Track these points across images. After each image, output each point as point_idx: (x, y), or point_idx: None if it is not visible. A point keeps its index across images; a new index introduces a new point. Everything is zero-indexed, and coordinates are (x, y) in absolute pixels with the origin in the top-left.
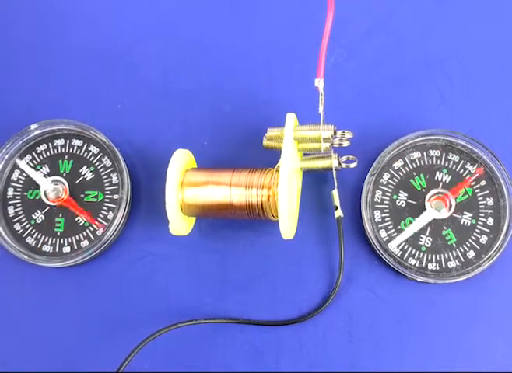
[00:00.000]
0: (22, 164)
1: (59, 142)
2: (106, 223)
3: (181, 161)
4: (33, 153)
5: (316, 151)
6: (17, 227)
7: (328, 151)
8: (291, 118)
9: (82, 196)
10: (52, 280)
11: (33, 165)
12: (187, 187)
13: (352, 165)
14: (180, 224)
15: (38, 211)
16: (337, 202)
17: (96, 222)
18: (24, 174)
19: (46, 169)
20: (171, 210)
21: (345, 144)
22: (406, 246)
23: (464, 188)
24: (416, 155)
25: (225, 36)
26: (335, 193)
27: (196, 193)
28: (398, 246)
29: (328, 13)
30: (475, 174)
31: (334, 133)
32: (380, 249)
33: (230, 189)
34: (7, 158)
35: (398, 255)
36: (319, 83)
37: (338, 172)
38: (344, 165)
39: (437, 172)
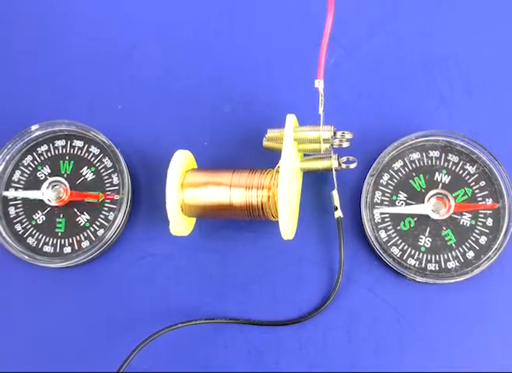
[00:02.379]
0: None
1: (60, 143)
2: (107, 224)
3: (181, 161)
4: (34, 154)
5: (316, 151)
6: (18, 227)
7: (328, 152)
8: (291, 119)
9: None
10: (53, 281)
11: (33, 165)
12: (188, 188)
13: (352, 166)
14: (180, 225)
15: (39, 212)
16: (337, 202)
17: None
18: (25, 174)
19: (47, 170)
20: (171, 211)
21: (345, 145)
22: (406, 247)
23: (464, 188)
24: (416, 155)
25: (225, 37)
26: (335, 193)
27: (196, 193)
28: (380, 215)
29: (328, 14)
30: (488, 205)
31: (334, 134)
32: (380, 250)
33: (230, 189)
34: (8, 158)
35: (398, 255)
36: (319, 84)
37: (337, 172)
38: (344, 166)
39: (437, 173)
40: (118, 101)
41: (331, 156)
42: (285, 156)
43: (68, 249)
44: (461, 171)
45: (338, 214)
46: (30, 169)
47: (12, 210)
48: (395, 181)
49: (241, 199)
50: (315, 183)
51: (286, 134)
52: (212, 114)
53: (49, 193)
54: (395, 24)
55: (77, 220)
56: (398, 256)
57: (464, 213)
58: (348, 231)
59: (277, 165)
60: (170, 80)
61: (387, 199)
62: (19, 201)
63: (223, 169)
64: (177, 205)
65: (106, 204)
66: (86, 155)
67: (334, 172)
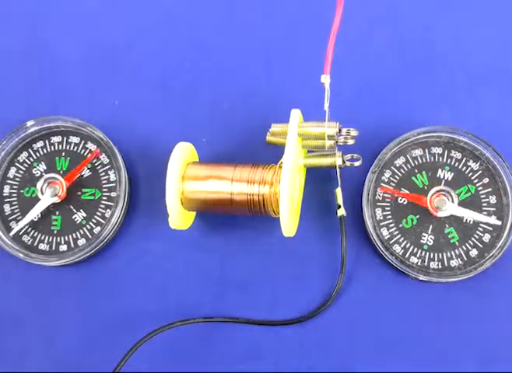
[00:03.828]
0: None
1: (56, 139)
2: (103, 221)
3: (183, 153)
4: (30, 150)
5: (320, 148)
6: (13, 225)
7: (332, 149)
8: (295, 114)
9: (79, 193)
10: (48, 279)
11: (29, 162)
12: (188, 181)
13: (357, 164)
14: (179, 218)
15: None
16: (340, 200)
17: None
18: (21, 171)
19: (43, 167)
20: (171, 204)
21: (350, 142)
22: (408, 244)
23: (468, 185)
24: (418, 152)
25: (225, 31)
26: (339, 191)
27: (197, 187)
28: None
29: (338, 7)
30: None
31: (339, 130)
32: (382, 248)
33: (232, 184)
34: (3, 155)
35: (400, 253)
36: (325, 79)
37: (340, 170)
38: (348, 164)
39: (439, 170)
40: (115, 97)
41: (335, 153)
42: (288, 151)
43: (64, 247)
44: (464, 168)
45: (341, 212)
46: (26, 165)
47: (7, 208)
48: (397, 178)
49: (242, 194)
50: (318, 180)
51: (291, 129)
52: (211, 110)
53: (47, 197)
54: (397, 20)
55: (73, 217)
56: (401, 254)
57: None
58: (349, 229)
59: (280, 160)
60: (167, 75)
61: (389, 196)
62: (15, 198)
63: (225, 163)
64: (176, 198)
65: (103, 201)
66: (83, 151)
67: (338, 170)
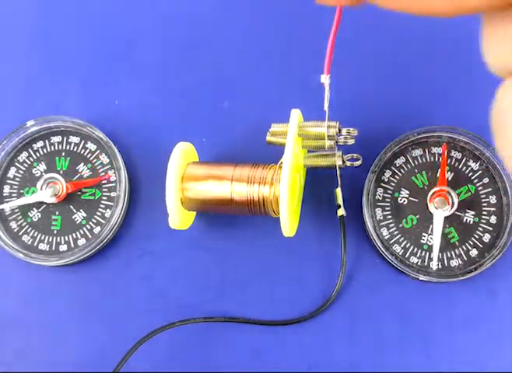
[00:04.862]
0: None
1: (56, 139)
2: (103, 221)
3: (183, 153)
4: (30, 150)
5: (320, 148)
6: (13, 225)
7: (332, 149)
8: (295, 114)
9: (79, 193)
10: (49, 279)
11: (29, 162)
12: (188, 181)
13: (357, 164)
14: (179, 218)
15: (34, 209)
16: (340, 200)
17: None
18: (21, 171)
19: (43, 167)
20: (171, 203)
21: (350, 142)
22: (408, 244)
23: (468, 185)
24: (418, 152)
25: (225, 32)
26: (339, 191)
27: (197, 186)
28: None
29: (338, 7)
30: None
31: (339, 130)
32: (382, 248)
33: (232, 184)
34: (3, 155)
35: (400, 253)
36: (325, 79)
37: (340, 170)
38: (348, 164)
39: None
40: (115, 97)
41: (335, 153)
42: (288, 151)
43: (64, 247)
44: (464, 168)
45: (341, 212)
46: (26, 165)
47: (6, 208)
48: (397, 178)
49: (242, 194)
50: (318, 180)
51: (290, 129)
52: (211, 110)
53: (45, 194)
54: (397, 19)
55: (73, 217)
56: (401, 254)
57: (468, 210)
58: (349, 229)
59: (280, 160)
60: (167, 75)
61: (389, 196)
62: (15, 198)
63: (225, 163)
64: (176, 197)
65: (103, 201)
66: (83, 151)
67: (338, 170)
